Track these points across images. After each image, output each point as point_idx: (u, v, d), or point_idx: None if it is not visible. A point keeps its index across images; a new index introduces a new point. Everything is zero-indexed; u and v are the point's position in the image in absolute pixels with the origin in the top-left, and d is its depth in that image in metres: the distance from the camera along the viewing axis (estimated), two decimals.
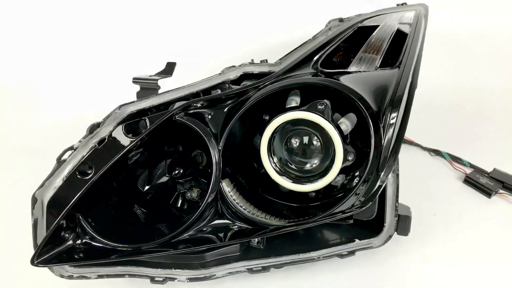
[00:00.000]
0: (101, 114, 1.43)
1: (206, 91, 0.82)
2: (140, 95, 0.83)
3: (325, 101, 0.75)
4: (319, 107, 0.74)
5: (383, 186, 0.76)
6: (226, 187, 0.79)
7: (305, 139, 0.78)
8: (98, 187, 0.73)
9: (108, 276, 0.79)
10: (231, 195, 0.79)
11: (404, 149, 0.89)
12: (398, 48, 0.91)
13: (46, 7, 1.61)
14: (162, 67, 0.88)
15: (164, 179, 0.87)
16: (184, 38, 1.61)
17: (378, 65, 0.85)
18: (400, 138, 0.75)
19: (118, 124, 0.75)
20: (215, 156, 0.74)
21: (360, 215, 0.83)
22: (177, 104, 0.79)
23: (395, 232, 0.86)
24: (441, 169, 1.25)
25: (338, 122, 0.75)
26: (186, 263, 0.79)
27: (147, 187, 0.86)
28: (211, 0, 1.57)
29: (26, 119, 1.54)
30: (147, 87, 0.82)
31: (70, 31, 1.66)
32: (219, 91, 0.83)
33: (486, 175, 1.15)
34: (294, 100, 0.77)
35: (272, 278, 0.88)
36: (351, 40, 0.95)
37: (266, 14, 1.56)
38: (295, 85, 0.77)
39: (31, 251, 0.73)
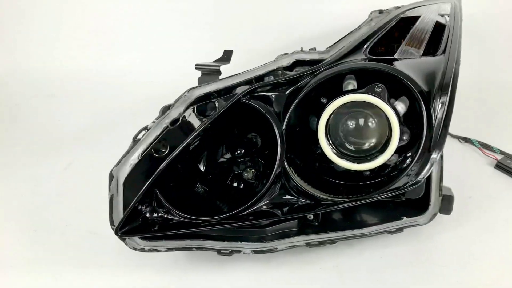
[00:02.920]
0: (135, 100, 1.49)
1: (261, 76, 0.88)
2: (202, 81, 0.88)
3: (381, 84, 0.80)
4: (377, 89, 0.79)
5: (434, 164, 0.81)
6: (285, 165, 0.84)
7: (361, 121, 0.83)
8: (170, 164, 0.78)
9: (177, 249, 0.84)
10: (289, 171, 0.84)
11: None
12: (436, 38, 0.97)
13: None
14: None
15: (222, 160, 0.92)
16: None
17: (422, 53, 0.91)
18: (448, 120, 0.81)
19: (188, 106, 0.80)
20: (279, 135, 0.79)
21: (409, 194, 0.88)
22: (239, 89, 0.84)
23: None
24: (472, 156, 1.29)
25: (394, 104, 0.80)
26: (249, 236, 0.84)
27: (204, 167, 0.91)
28: None
29: (69, 107, 1.59)
30: (209, 72, 0.88)
31: (129, 19, 1.73)
32: (272, 77, 0.88)
33: None
34: (352, 84, 0.82)
35: (320, 255, 0.93)
36: (397, 30, 1.00)
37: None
38: (353, 69, 0.82)
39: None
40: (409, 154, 0.85)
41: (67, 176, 1.24)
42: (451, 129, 1.35)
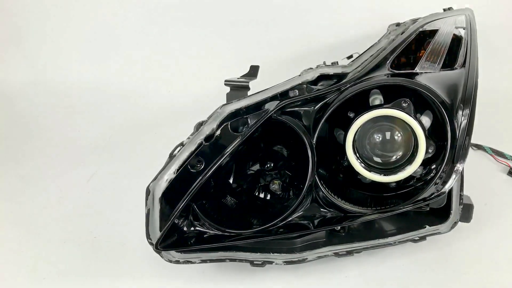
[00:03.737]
0: (156, 114, 1.51)
1: (286, 91, 0.90)
2: (231, 96, 0.90)
3: (407, 99, 0.83)
4: (403, 104, 0.82)
5: (459, 175, 0.84)
6: None
7: (388, 134, 0.86)
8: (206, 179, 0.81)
9: (211, 261, 0.86)
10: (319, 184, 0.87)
11: None
12: (452, 50, 1.00)
13: None
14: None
15: (250, 172, 0.95)
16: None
17: (440, 67, 0.94)
18: (470, 132, 0.84)
19: (220, 122, 0.83)
20: (311, 147, 0.82)
21: (433, 204, 0.91)
22: (268, 105, 0.87)
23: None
24: (484, 163, 1.32)
25: (419, 118, 0.83)
26: (280, 247, 0.87)
27: (233, 180, 0.94)
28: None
29: (91, 119, 1.62)
30: (237, 88, 0.90)
31: (151, 33, 1.75)
32: (297, 92, 0.90)
33: None
34: (378, 99, 0.85)
35: (345, 264, 0.96)
36: (416, 43, 1.03)
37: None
38: (379, 85, 0.85)
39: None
40: (433, 166, 0.88)
41: (91, 188, 1.27)
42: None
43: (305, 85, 0.92)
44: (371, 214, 0.84)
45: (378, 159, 0.87)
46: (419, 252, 0.99)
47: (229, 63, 1.17)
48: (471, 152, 1.36)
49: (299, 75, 0.93)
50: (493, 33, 1.66)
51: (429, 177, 0.87)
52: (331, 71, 0.94)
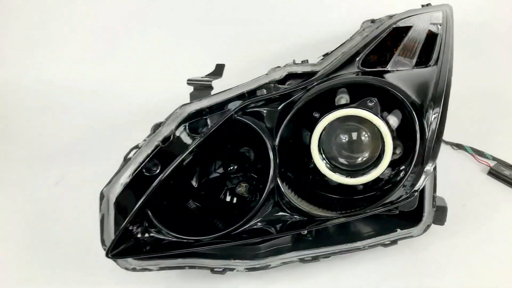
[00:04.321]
0: (130, 114, 1.47)
1: (253, 91, 0.87)
2: (194, 96, 0.87)
3: (374, 98, 0.80)
4: (369, 104, 0.79)
5: (428, 176, 0.81)
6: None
7: (354, 135, 0.83)
8: (162, 183, 0.77)
9: (170, 268, 0.83)
10: (282, 188, 0.83)
11: None
12: (428, 47, 0.96)
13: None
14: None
15: (215, 175, 0.91)
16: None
17: (414, 64, 0.90)
18: (441, 132, 0.81)
19: (180, 123, 0.79)
20: (273, 149, 0.79)
21: (403, 206, 0.88)
22: (232, 104, 0.83)
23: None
24: (465, 162, 1.29)
25: (386, 118, 0.80)
26: (243, 253, 0.84)
27: (197, 183, 0.91)
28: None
29: (62, 120, 1.57)
30: (201, 88, 0.87)
31: (121, 33, 1.72)
32: (265, 91, 0.87)
33: (510, 167, 1.20)
34: (344, 98, 0.81)
35: (315, 270, 0.92)
36: (389, 40, 0.99)
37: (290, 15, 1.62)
38: (345, 83, 0.82)
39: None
40: (402, 168, 0.85)
41: (59, 191, 1.23)
42: (443, 136, 1.37)
43: (272, 84, 0.89)
44: (336, 218, 0.81)
45: (343, 161, 0.84)
46: (392, 256, 0.96)
47: (197, 62, 1.13)
48: (452, 152, 1.35)
49: (266, 74, 0.89)
50: (479, 33, 1.63)
51: (398, 179, 0.83)
52: (299, 69, 0.91)
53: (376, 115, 0.78)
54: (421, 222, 0.90)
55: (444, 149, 1.33)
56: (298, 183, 0.88)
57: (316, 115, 0.83)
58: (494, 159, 1.26)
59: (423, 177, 0.80)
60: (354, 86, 0.83)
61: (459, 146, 1.34)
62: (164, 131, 0.79)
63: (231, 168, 0.89)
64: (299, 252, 0.86)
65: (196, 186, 0.90)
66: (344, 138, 0.83)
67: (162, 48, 1.70)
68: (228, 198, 0.92)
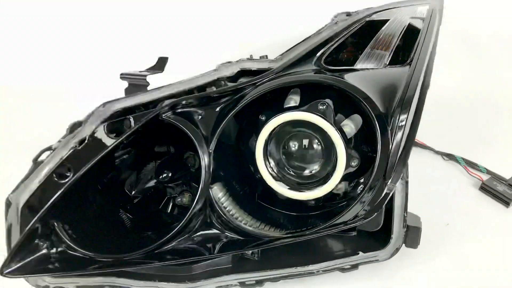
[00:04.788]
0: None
1: (200, 88, 0.76)
2: (129, 92, 0.77)
3: (327, 101, 0.68)
4: (320, 107, 0.67)
5: (391, 194, 0.69)
6: (219, 191, 0.73)
7: (305, 142, 0.71)
8: (79, 191, 0.67)
9: (88, 287, 0.73)
10: (221, 202, 0.73)
11: (414, 152, 0.81)
12: (410, 45, 0.84)
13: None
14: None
15: (153, 183, 0.81)
16: (180, 32, 1.56)
17: (387, 62, 0.78)
18: (409, 143, 0.68)
19: (101, 123, 0.69)
20: (204, 159, 0.68)
21: (365, 226, 0.76)
22: (166, 102, 0.73)
23: (404, 245, 0.79)
24: (455, 175, 1.16)
25: (341, 124, 0.69)
26: (173, 275, 0.73)
27: (134, 191, 0.80)
28: None
29: (23, 115, 1.49)
30: (135, 83, 0.76)
31: (59, 30, 1.66)
32: (214, 89, 0.77)
33: (504, 182, 1.07)
34: (293, 100, 0.70)
35: None
36: (360, 35, 0.88)
37: (269, 9, 1.50)
38: (294, 83, 0.70)
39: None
40: (362, 180, 0.73)
41: None
42: (434, 144, 1.26)
43: (223, 82, 0.78)
44: (280, 238, 0.69)
45: (292, 172, 0.72)
46: (356, 281, 0.84)
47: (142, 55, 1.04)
48: (442, 163, 1.23)
49: (215, 70, 0.79)
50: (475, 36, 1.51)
51: (356, 194, 0.72)
52: (255, 65, 0.80)
53: (328, 121, 0.66)
54: (389, 244, 0.78)
55: (433, 160, 1.23)
56: (245, 195, 0.77)
57: (263, 118, 0.72)
58: (488, 172, 1.13)
59: (384, 194, 0.68)
60: (309, 87, 0.72)
61: (450, 157, 1.21)
62: (84, 132, 0.69)
63: (164, 175, 0.78)
64: (240, 275, 0.75)
65: (131, 195, 0.80)
66: (293, 145, 0.72)
67: (105, 45, 1.62)
68: (169, 209, 0.81)
